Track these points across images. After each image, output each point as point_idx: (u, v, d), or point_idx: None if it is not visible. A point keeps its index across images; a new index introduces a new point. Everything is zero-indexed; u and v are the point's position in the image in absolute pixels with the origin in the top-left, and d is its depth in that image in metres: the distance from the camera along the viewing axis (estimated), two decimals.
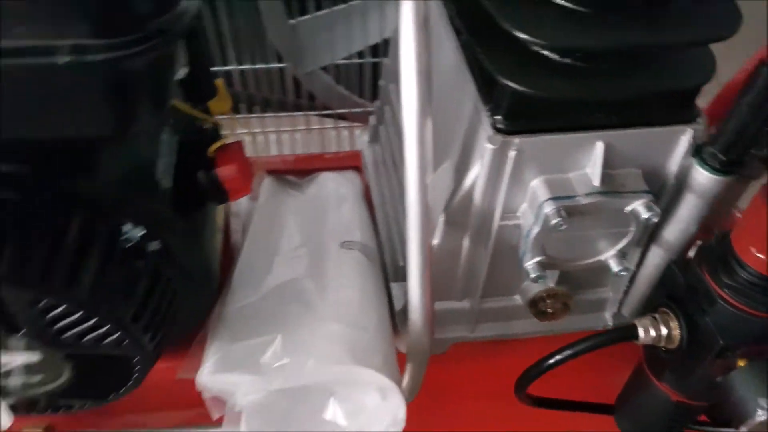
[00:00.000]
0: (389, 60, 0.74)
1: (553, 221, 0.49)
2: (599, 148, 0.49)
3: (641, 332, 0.52)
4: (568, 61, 0.47)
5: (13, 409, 0.52)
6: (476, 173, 0.50)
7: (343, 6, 0.75)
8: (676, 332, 0.51)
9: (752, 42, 0.49)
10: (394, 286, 0.65)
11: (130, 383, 0.53)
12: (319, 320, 0.54)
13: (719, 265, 0.48)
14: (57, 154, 0.43)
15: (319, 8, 0.77)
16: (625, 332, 0.53)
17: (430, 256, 0.48)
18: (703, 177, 0.51)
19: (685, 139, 0.50)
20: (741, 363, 0.49)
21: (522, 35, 0.44)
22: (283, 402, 0.51)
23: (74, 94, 0.39)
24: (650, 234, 0.56)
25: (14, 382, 0.50)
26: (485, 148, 0.48)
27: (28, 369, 0.49)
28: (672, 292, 0.53)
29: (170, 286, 0.51)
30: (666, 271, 0.56)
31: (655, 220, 0.50)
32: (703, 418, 0.58)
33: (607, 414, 0.64)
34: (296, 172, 0.83)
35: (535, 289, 0.59)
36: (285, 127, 0.94)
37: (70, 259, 0.43)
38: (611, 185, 0.50)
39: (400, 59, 0.40)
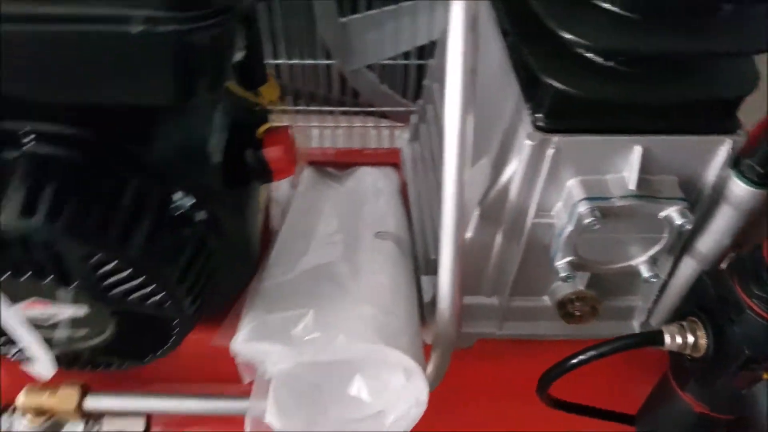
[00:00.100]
0: (435, 60, 0.75)
1: (587, 221, 0.49)
2: (637, 152, 0.49)
3: (667, 338, 0.53)
4: (611, 64, 0.48)
5: (57, 360, 0.55)
6: (513, 169, 0.51)
7: (393, 6, 0.77)
8: (703, 341, 0.52)
9: None
10: (424, 279, 0.66)
11: (167, 345, 0.55)
12: (351, 301, 0.56)
13: (750, 275, 0.49)
14: (120, 121, 0.46)
15: (369, 8, 0.79)
16: (652, 337, 0.54)
17: (462, 249, 0.49)
18: (740, 189, 0.51)
19: (724, 149, 0.50)
20: (766, 376, 0.49)
21: (568, 36, 0.45)
22: (311, 374, 0.53)
23: (141, 63, 0.40)
24: (683, 244, 0.57)
25: (60, 334, 0.53)
26: (524, 144, 0.49)
27: (74, 323, 0.52)
28: (702, 302, 0.54)
29: (213, 255, 0.53)
30: (697, 282, 0.56)
31: (689, 227, 0.50)
32: None
33: (627, 424, 0.64)
34: (336, 165, 0.85)
35: (564, 290, 0.59)
36: (328, 122, 0.96)
37: (125, 219, 0.46)
38: (647, 190, 0.50)
39: (446, 57, 0.41)
